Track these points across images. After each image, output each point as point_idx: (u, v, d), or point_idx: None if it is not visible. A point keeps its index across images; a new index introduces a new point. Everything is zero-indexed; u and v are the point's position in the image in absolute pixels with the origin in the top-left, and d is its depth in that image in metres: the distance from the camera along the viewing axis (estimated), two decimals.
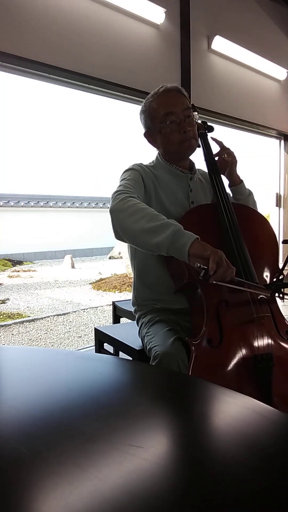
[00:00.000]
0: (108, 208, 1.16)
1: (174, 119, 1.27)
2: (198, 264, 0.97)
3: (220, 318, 1.13)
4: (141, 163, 1.37)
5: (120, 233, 1.11)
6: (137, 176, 1.29)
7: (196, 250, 0.98)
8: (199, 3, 2.83)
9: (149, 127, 1.34)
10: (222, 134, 1.46)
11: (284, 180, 3.97)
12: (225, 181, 1.39)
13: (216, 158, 1.41)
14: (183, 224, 1.20)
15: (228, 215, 1.25)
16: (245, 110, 3.35)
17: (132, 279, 1.44)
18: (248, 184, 1.45)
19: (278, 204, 3.99)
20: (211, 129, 1.44)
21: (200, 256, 0.97)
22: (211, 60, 3.02)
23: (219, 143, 1.43)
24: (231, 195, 1.43)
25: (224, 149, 1.42)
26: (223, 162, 1.41)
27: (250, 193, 1.45)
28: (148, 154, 1.47)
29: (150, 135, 1.37)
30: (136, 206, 1.09)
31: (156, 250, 1.05)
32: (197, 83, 2.81)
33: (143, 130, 1.39)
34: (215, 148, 1.43)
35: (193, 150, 1.35)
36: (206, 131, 1.43)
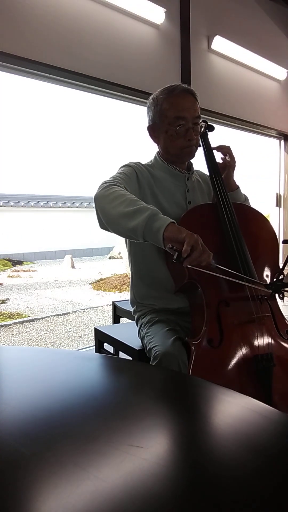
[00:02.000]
0: None
1: (183, 125, 1.27)
2: (170, 245, 0.96)
3: (220, 318, 1.13)
4: (139, 162, 1.37)
5: (103, 220, 1.11)
6: (130, 173, 1.28)
7: (171, 233, 0.97)
8: (199, 3, 2.83)
9: (156, 123, 1.33)
10: (222, 134, 1.45)
11: (284, 180, 3.97)
12: None
13: (217, 156, 1.41)
14: (183, 223, 1.20)
15: (228, 215, 1.25)
16: (245, 110, 3.35)
17: (130, 277, 1.44)
18: (248, 184, 1.45)
19: (278, 204, 3.99)
20: (211, 128, 1.44)
21: (175, 240, 0.96)
22: (211, 60, 3.02)
23: (224, 147, 1.42)
24: None
25: (227, 149, 1.40)
26: (222, 162, 1.41)
27: (246, 199, 1.46)
28: (148, 154, 1.47)
29: (154, 131, 1.36)
30: (117, 193, 1.09)
31: (132, 235, 1.04)
32: (197, 83, 2.81)
33: (146, 122, 1.37)
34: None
35: (192, 157, 1.37)
36: (207, 130, 1.43)
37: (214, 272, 1.02)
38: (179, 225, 1.19)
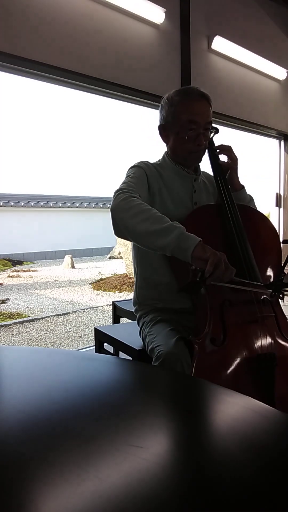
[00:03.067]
0: (108, 208, 1.17)
1: (194, 129, 1.27)
2: (194, 267, 1.02)
3: (223, 317, 1.13)
4: (147, 161, 1.38)
5: (124, 232, 1.13)
6: (141, 174, 1.29)
7: (198, 253, 1.01)
8: (199, 3, 2.83)
9: (168, 123, 1.33)
10: (222, 134, 1.45)
11: (284, 180, 3.97)
12: None
13: (221, 157, 1.41)
14: (187, 223, 1.21)
15: (232, 215, 1.25)
16: (245, 110, 3.35)
17: (134, 278, 1.44)
18: (248, 184, 1.45)
19: (278, 204, 3.99)
20: (216, 131, 1.44)
21: (201, 258, 1.00)
22: (211, 60, 3.02)
23: (225, 147, 1.41)
24: None
25: (228, 151, 1.40)
26: (224, 163, 1.40)
27: (251, 199, 1.45)
28: (149, 153, 1.47)
29: (165, 130, 1.36)
30: (139, 207, 1.10)
31: (161, 251, 1.09)
32: (197, 83, 2.81)
33: (156, 123, 1.37)
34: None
35: (199, 162, 1.38)
36: (213, 132, 1.43)
37: (237, 284, 1.06)
38: (184, 226, 1.20)
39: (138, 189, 1.22)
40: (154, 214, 1.09)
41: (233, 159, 1.39)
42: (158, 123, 1.38)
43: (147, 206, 1.12)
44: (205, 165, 1.43)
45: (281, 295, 1.16)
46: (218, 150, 1.40)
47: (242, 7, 3.24)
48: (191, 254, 1.01)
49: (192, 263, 1.02)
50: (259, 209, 1.45)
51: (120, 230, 1.14)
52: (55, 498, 0.43)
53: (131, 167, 1.33)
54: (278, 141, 3.98)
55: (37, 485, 0.45)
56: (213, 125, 1.45)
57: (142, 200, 1.20)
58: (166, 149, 1.42)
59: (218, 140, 1.42)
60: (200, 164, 1.42)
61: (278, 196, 3.99)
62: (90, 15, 2.22)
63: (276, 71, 3.58)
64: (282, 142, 3.97)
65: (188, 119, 1.27)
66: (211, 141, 1.40)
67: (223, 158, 1.41)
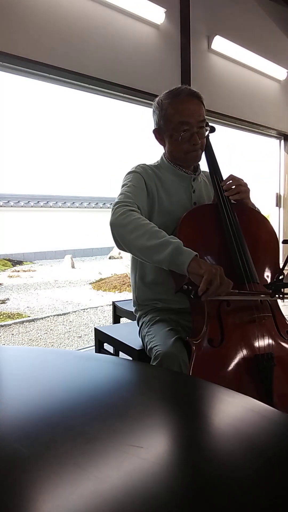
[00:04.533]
0: (108, 208, 1.17)
1: (187, 129, 1.27)
2: (185, 287, 1.04)
3: (221, 318, 1.13)
4: (144, 164, 1.37)
5: (123, 246, 1.16)
6: (138, 181, 1.28)
7: (193, 269, 1.02)
8: (199, 3, 2.83)
9: (161, 127, 1.33)
10: (222, 134, 1.44)
11: (284, 180, 3.97)
12: None
13: (218, 156, 1.40)
14: (184, 224, 1.20)
15: (229, 215, 1.24)
16: (245, 110, 3.35)
17: (131, 279, 1.44)
18: (248, 184, 1.43)
19: (278, 204, 3.99)
20: (213, 129, 1.43)
21: (197, 274, 1.01)
22: (211, 60, 3.02)
23: (230, 179, 1.32)
24: None
25: (236, 187, 1.30)
26: (236, 196, 1.30)
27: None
28: (148, 153, 1.47)
29: (159, 134, 1.36)
30: (136, 222, 1.12)
31: (157, 265, 1.12)
32: (197, 83, 2.81)
33: (146, 123, 1.38)
34: (217, 148, 1.42)
35: (198, 161, 1.37)
36: (208, 130, 1.43)
37: (234, 295, 1.07)
38: (180, 227, 1.20)
39: (136, 198, 1.22)
40: (151, 229, 1.10)
41: (243, 191, 1.30)
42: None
43: (144, 220, 1.13)
44: (205, 164, 1.42)
45: (281, 296, 1.16)
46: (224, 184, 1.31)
47: (242, 7, 3.24)
48: (187, 269, 1.02)
49: (189, 277, 1.03)
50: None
51: (119, 244, 1.16)
52: (55, 498, 0.43)
53: (128, 173, 1.33)
54: (278, 141, 3.98)
55: (37, 485, 0.45)
56: (210, 124, 1.45)
57: (141, 207, 1.21)
58: (163, 151, 1.41)
59: (218, 139, 1.41)
60: (200, 163, 1.41)
61: (278, 196, 3.99)
62: (90, 15, 2.22)
63: (276, 71, 3.58)
64: (282, 142, 3.97)
65: (180, 121, 1.26)
66: (208, 142, 1.39)
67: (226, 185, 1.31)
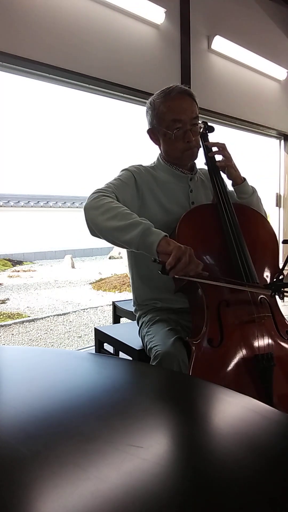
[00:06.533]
0: None
1: (180, 127, 1.26)
2: (153, 258, 1.02)
3: (220, 318, 1.13)
4: (140, 165, 1.37)
5: (94, 230, 1.14)
6: (127, 177, 1.28)
7: (162, 247, 1.01)
8: (199, 3, 2.83)
9: (154, 126, 1.33)
10: (222, 134, 1.44)
11: (284, 180, 3.97)
12: (227, 180, 1.37)
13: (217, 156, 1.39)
14: (183, 224, 1.20)
15: (228, 215, 1.24)
16: (245, 110, 3.35)
17: (130, 279, 1.44)
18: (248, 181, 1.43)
19: (278, 204, 3.99)
20: (211, 129, 1.43)
21: (166, 253, 1.00)
22: (211, 60, 3.02)
23: (218, 145, 1.35)
24: (235, 194, 1.39)
25: (221, 149, 1.34)
26: (220, 162, 1.35)
27: (254, 191, 1.41)
28: (148, 153, 1.47)
29: (154, 134, 1.36)
30: (108, 205, 1.11)
31: (127, 246, 1.10)
32: (197, 83, 2.81)
33: (146, 126, 1.37)
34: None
35: (194, 159, 1.36)
36: (207, 131, 1.43)
37: (207, 280, 1.06)
38: (179, 226, 1.20)
39: (119, 191, 1.21)
40: (123, 211, 1.09)
41: (226, 156, 1.33)
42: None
43: (117, 204, 1.12)
44: (200, 163, 1.42)
45: (281, 296, 1.16)
46: (211, 148, 1.36)
47: (242, 7, 3.24)
48: (156, 249, 1.02)
49: (160, 258, 1.02)
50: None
51: (92, 228, 1.15)
52: (55, 498, 0.43)
53: (122, 170, 1.33)
54: (278, 141, 3.98)
55: (37, 485, 0.45)
56: (210, 124, 1.44)
57: (121, 200, 1.19)
58: (159, 151, 1.41)
59: (218, 140, 1.41)
60: (196, 162, 1.41)
61: (278, 196, 3.99)
62: (90, 15, 2.22)
63: (276, 71, 3.58)
64: (282, 142, 3.97)
65: (172, 119, 1.26)
66: (207, 142, 1.39)
67: (217, 157, 1.36)
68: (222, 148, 1.34)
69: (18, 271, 9.02)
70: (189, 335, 1.15)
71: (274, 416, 0.60)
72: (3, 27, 1.89)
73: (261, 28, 3.45)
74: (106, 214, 1.09)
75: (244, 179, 1.39)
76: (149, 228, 1.05)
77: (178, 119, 1.26)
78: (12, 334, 4.13)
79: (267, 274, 1.28)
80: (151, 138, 1.38)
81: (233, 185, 1.39)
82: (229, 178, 1.37)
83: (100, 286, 6.86)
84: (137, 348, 1.36)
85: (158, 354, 1.09)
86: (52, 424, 0.58)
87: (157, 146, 1.40)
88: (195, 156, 1.35)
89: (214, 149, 1.35)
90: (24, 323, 4.56)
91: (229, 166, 1.34)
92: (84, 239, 12.06)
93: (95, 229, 1.14)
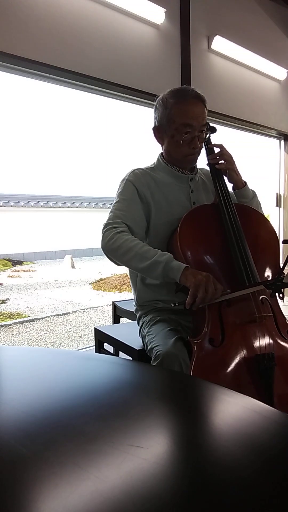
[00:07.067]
0: (108, 208, 1.18)
1: (189, 132, 1.26)
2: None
3: (221, 318, 1.13)
4: (139, 169, 1.36)
5: (121, 265, 1.24)
6: (130, 192, 1.29)
7: (182, 282, 1.09)
8: (199, 3, 2.83)
9: (162, 125, 1.32)
10: (222, 134, 1.44)
11: (284, 180, 3.97)
12: (228, 184, 1.37)
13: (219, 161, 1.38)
14: (185, 224, 1.20)
15: (230, 215, 1.24)
16: (245, 110, 3.35)
17: (130, 280, 1.44)
18: (248, 184, 1.43)
19: (278, 204, 3.99)
20: (213, 130, 1.43)
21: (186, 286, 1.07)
22: (211, 60, 3.02)
23: (218, 146, 1.36)
24: (235, 197, 1.40)
25: (221, 154, 1.33)
26: (221, 165, 1.35)
27: (254, 195, 1.42)
28: (148, 153, 1.46)
29: (159, 132, 1.35)
30: (124, 245, 1.16)
31: (154, 280, 1.24)
32: (197, 83, 2.81)
33: (152, 123, 1.36)
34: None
35: (194, 164, 1.38)
36: (209, 132, 1.43)
37: (224, 295, 1.10)
38: (181, 226, 1.20)
39: (126, 213, 1.25)
40: (140, 249, 1.15)
41: (227, 160, 1.33)
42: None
43: (132, 242, 1.17)
44: (201, 163, 1.41)
45: (281, 295, 1.16)
46: (212, 149, 1.35)
47: (242, 7, 3.24)
48: (179, 282, 1.10)
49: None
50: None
51: (117, 264, 1.24)
52: (55, 498, 0.43)
53: (121, 182, 1.34)
54: (278, 141, 3.98)
55: (37, 485, 0.45)
56: (211, 124, 1.44)
57: (133, 220, 1.25)
58: (161, 151, 1.41)
59: (218, 139, 1.41)
60: (197, 163, 1.41)
61: (278, 196, 3.99)
62: (90, 15, 2.22)
63: (276, 71, 3.58)
64: (282, 142, 3.97)
65: (183, 123, 1.26)
66: (209, 143, 1.39)
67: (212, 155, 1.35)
68: (221, 153, 1.34)
69: (18, 271, 9.02)
70: (189, 335, 1.15)
71: (274, 416, 0.60)
72: (3, 27, 1.89)
73: (261, 28, 3.45)
74: (125, 256, 1.16)
75: (245, 183, 1.39)
76: (167, 264, 1.11)
77: (189, 124, 1.26)
78: (12, 334, 4.13)
79: (268, 274, 1.28)
80: (156, 136, 1.37)
81: (233, 188, 1.39)
82: (230, 181, 1.36)
83: (100, 286, 6.86)
84: (137, 348, 1.36)
85: (159, 354, 1.09)
86: (52, 424, 0.58)
87: (158, 145, 1.40)
88: (195, 162, 1.37)
89: (216, 150, 1.35)
90: (24, 323, 4.56)
91: (230, 169, 1.34)
92: (84, 239, 12.07)
93: (122, 265, 1.23)
